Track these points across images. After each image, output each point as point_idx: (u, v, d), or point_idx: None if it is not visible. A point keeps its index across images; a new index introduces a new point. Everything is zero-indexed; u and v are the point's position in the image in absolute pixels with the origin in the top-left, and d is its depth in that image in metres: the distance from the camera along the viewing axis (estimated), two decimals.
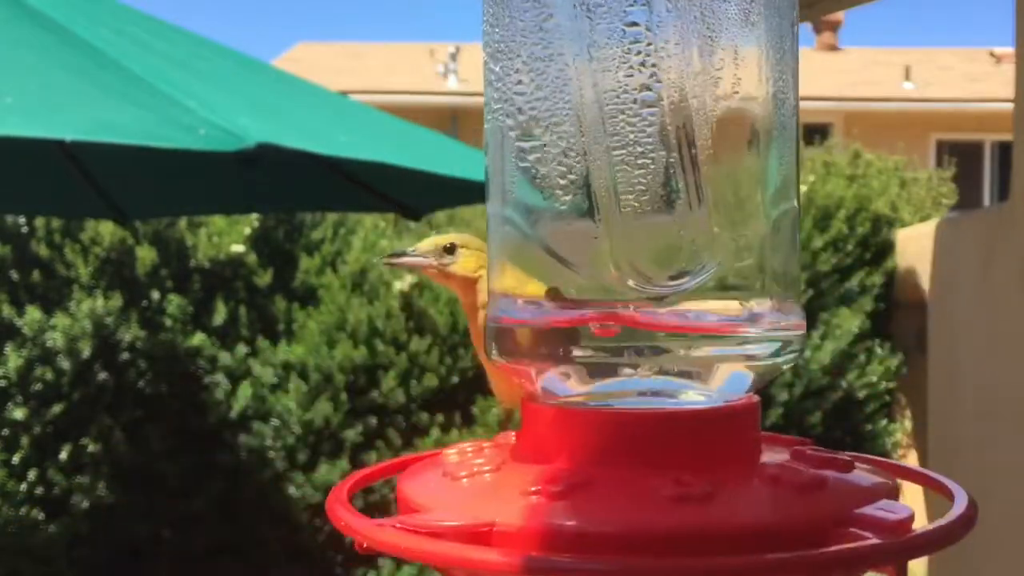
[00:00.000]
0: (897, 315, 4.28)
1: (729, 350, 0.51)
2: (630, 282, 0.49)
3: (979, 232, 2.65)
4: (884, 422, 4.21)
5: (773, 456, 0.51)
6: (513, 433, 0.60)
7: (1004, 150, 10.32)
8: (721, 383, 0.51)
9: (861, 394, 4.15)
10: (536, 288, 0.52)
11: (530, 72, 0.49)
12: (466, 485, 0.49)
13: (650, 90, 0.48)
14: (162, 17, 2.70)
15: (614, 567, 0.41)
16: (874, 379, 4.15)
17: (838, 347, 4.12)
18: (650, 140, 0.48)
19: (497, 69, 0.50)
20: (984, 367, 2.52)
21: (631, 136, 0.48)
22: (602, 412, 0.51)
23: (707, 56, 0.48)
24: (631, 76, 0.48)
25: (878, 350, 4.20)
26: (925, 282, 3.52)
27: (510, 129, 0.50)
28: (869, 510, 0.44)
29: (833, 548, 0.42)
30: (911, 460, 4.12)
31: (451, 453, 0.55)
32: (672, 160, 0.48)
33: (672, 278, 0.49)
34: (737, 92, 0.49)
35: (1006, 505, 2.26)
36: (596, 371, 0.51)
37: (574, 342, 0.51)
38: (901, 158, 5.94)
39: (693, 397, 0.51)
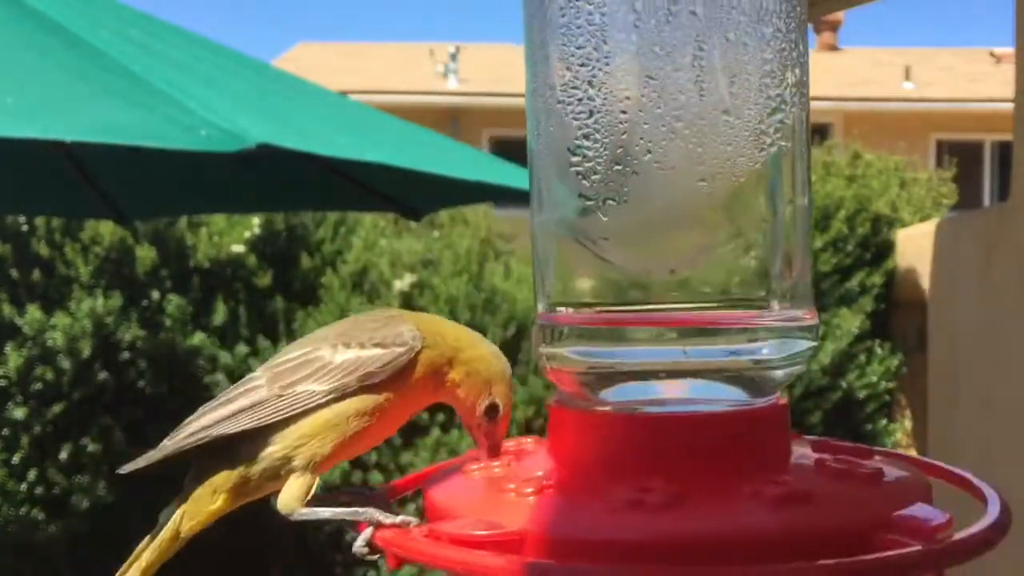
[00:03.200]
0: (897, 315, 4.28)
1: (747, 347, 0.51)
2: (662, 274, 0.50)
3: (979, 232, 2.65)
4: (884, 422, 4.21)
5: (805, 458, 0.51)
6: (532, 440, 0.60)
7: (1004, 150, 10.32)
8: (749, 385, 0.51)
9: (861, 394, 4.15)
10: (582, 290, 0.53)
11: (590, 72, 0.49)
12: (538, 501, 0.48)
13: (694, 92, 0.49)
14: (162, 17, 2.70)
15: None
16: (874, 379, 4.15)
17: (838, 347, 4.12)
18: (678, 146, 0.49)
19: (568, 76, 0.50)
20: (984, 367, 2.52)
21: (664, 142, 0.49)
22: (652, 417, 0.51)
23: (722, 59, 0.49)
24: (669, 80, 0.48)
25: (878, 350, 4.20)
26: (925, 282, 3.52)
27: (563, 138, 0.51)
28: (908, 514, 0.44)
29: (875, 555, 0.41)
30: None
31: (495, 466, 0.55)
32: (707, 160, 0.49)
33: (680, 266, 0.50)
34: (752, 94, 0.50)
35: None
36: (631, 376, 0.52)
37: (616, 342, 0.52)
38: (901, 158, 5.94)
39: (723, 400, 0.52)
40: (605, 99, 0.49)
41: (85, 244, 3.96)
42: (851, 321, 4.15)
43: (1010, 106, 2.35)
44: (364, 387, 0.57)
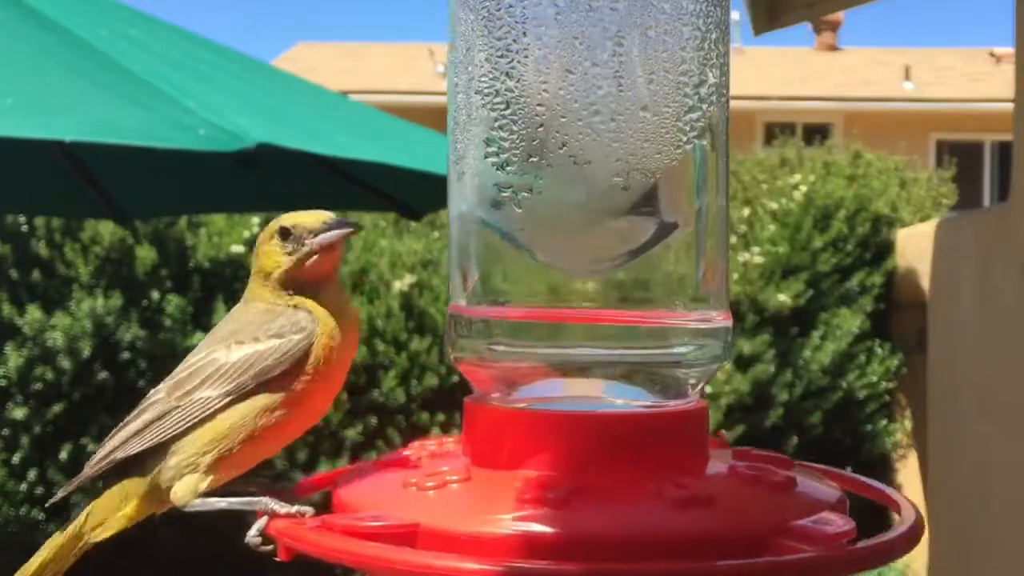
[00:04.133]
0: (897, 315, 4.28)
1: (662, 346, 0.51)
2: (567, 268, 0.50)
3: (979, 232, 2.65)
4: (884, 422, 4.21)
5: (719, 464, 0.51)
6: (455, 439, 0.59)
7: (1004, 150, 10.32)
8: (663, 386, 0.51)
9: (861, 394, 4.15)
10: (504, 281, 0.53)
11: (508, 64, 0.49)
12: (438, 495, 0.48)
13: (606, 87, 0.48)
14: (162, 17, 2.70)
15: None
16: (874, 379, 4.15)
17: (838, 347, 4.12)
18: (590, 138, 0.48)
19: (487, 68, 0.50)
20: (984, 367, 2.52)
21: (578, 135, 0.49)
22: (563, 414, 0.51)
23: (641, 55, 0.49)
24: (584, 75, 0.48)
25: (878, 350, 4.20)
26: (925, 282, 3.52)
27: (481, 123, 0.51)
28: (807, 522, 0.44)
29: (765, 559, 0.42)
30: (911, 460, 4.12)
31: (408, 460, 0.54)
32: (612, 156, 0.49)
33: (593, 262, 0.50)
34: (670, 91, 0.49)
35: (1006, 504, 2.26)
36: (543, 372, 0.51)
37: (530, 338, 0.51)
38: (901, 158, 5.94)
39: (635, 401, 0.52)
40: (523, 91, 0.49)
41: (85, 244, 3.96)
42: (851, 321, 4.15)
43: (1010, 106, 2.35)
44: (265, 382, 0.55)
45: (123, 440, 0.57)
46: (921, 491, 3.32)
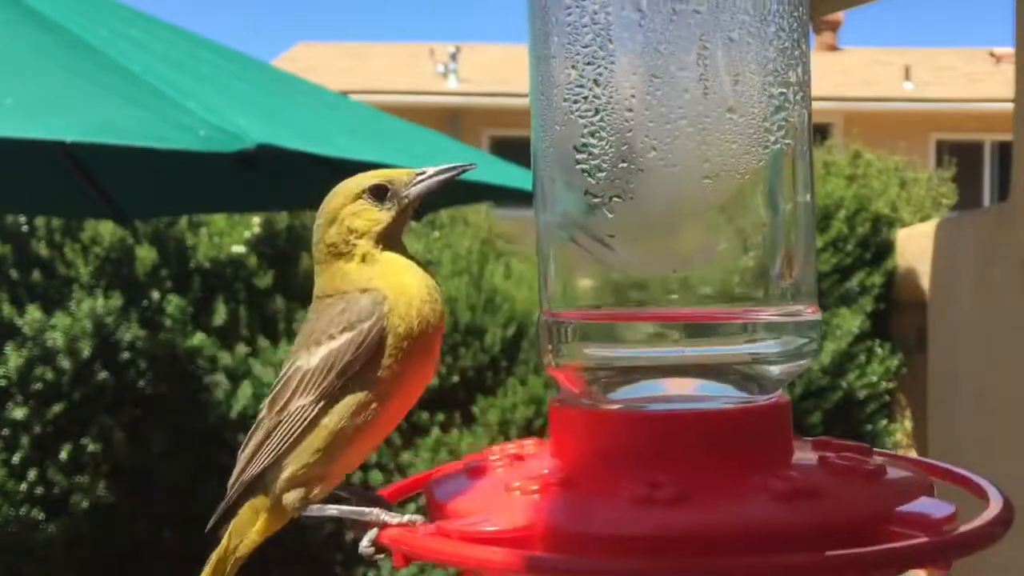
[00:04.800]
0: (897, 315, 4.28)
1: (747, 342, 0.51)
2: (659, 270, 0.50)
3: (979, 232, 2.65)
4: (884, 422, 4.21)
5: (807, 455, 0.52)
6: (533, 442, 0.59)
7: (1004, 150, 10.32)
8: (749, 383, 0.52)
9: (861, 394, 4.15)
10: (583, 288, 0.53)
11: (595, 71, 0.50)
12: (544, 498, 0.48)
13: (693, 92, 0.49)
14: (162, 18, 2.70)
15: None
16: (874, 379, 4.15)
17: (838, 347, 4.12)
18: (680, 144, 0.49)
19: (573, 75, 0.51)
20: (984, 367, 2.52)
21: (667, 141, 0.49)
22: (657, 414, 0.51)
23: (726, 58, 0.49)
24: (671, 82, 0.49)
25: (878, 350, 4.20)
26: (925, 282, 3.52)
27: (569, 137, 0.51)
28: (913, 508, 0.44)
29: (884, 546, 0.42)
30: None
31: (495, 464, 0.54)
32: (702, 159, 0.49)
33: (685, 263, 0.51)
34: (755, 92, 0.50)
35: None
36: (636, 374, 0.52)
37: (621, 340, 0.52)
38: (901, 158, 5.94)
39: (725, 398, 0.52)
40: (610, 97, 0.49)
41: (85, 244, 3.96)
42: (851, 321, 4.15)
43: (1010, 106, 2.34)
44: (352, 377, 0.55)
45: (244, 465, 0.58)
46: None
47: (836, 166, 4.94)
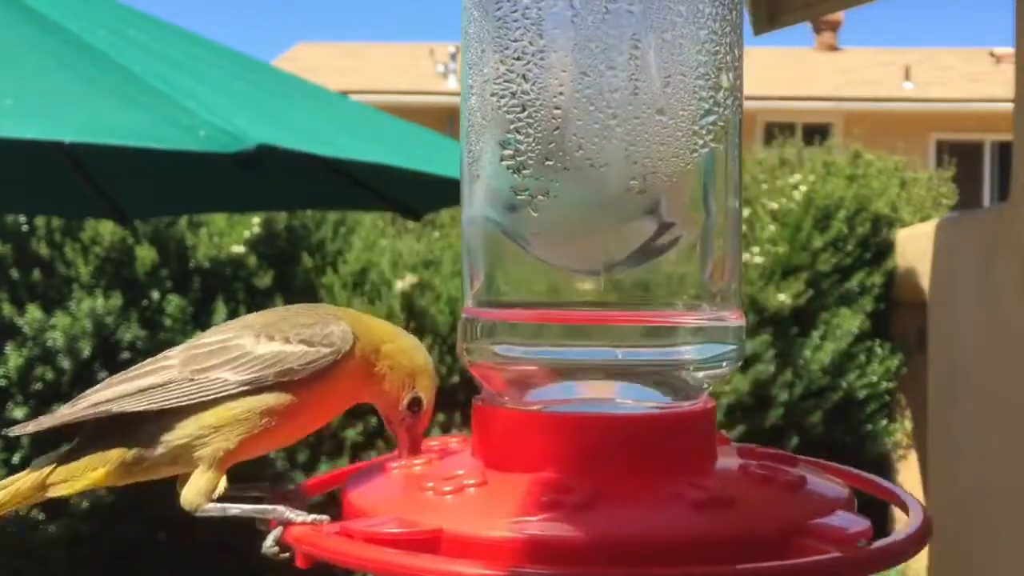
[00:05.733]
0: (897, 315, 4.28)
1: (672, 347, 0.51)
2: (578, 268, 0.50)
3: (979, 232, 2.65)
4: (884, 422, 4.21)
5: (729, 463, 0.51)
6: (457, 438, 0.59)
7: (1004, 150, 10.31)
8: (670, 387, 0.51)
9: (861, 394, 4.15)
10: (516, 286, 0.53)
11: (524, 66, 0.49)
12: (456, 499, 0.47)
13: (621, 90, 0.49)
14: (162, 17, 2.70)
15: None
16: (874, 379, 4.15)
17: (838, 347, 4.12)
18: (603, 140, 0.49)
19: (502, 70, 0.50)
20: (984, 367, 2.52)
21: (592, 137, 0.49)
22: (577, 417, 0.51)
23: (657, 58, 0.49)
24: (600, 76, 0.48)
25: (878, 350, 4.20)
26: (925, 282, 3.52)
27: (496, 126, 0.51)
28: (827, 521, 0.44)
29: (792, 561, 0.42)
30: (911, 460, 4.12)
31: (416, 464, 0.54)
32: (626, 159, 0.49)
33: (609, 265, 0.50)
34: (686, 95, 0.50)
35: (1006, 504, 2.26)
36: (555, 375, 0.51)
37: (542, 340, 0.51)
38: (901, 158, 5.94)
39: (647, 402, 0.52)
40: (539, 94, 0.49)
41: (85, 244, 3.96)
42: (851, 321, 4.15)
43: (1010, 106, 2.35)
44: (281, 383, 0.54)
45: (118, 395, 0.55)
46: (921, 491, 3.32)
47: (836, 166, 4.94)
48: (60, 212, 3.58)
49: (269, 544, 0.51)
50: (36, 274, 3.91)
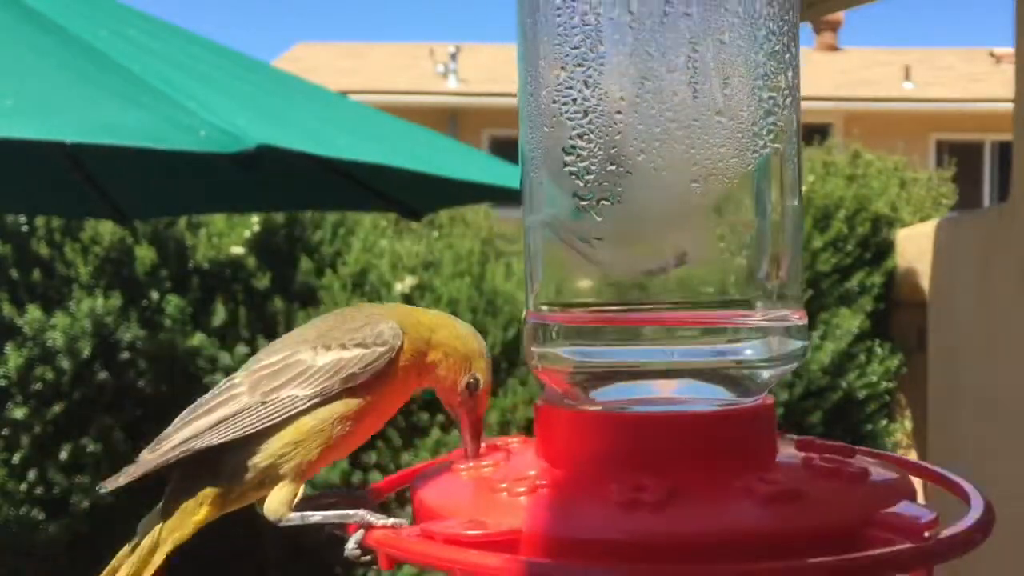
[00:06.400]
0: (897, 315, 4.28)
1: (732, 346, 0.51)
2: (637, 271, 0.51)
3: (979, 232, 2.65)
4: (884, 422, 4.21)
5: (791, 457, 0.52)
6: (518, 439, 0.60)
7: (1004, 150, 10.31)
8: (733, 385, 0.52)
9: (861, 394, 4.15)
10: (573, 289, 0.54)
11: (585, 73, 0.50)
12: (531, 500, 0.48)
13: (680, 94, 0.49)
14: (162, 18, 2.70)
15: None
16: (874, 379, 4.15)
17: (838, 347, 4.12)
18: (667, 146, 0.49)
19: (563, 76, 0.50)
20: (984, 367, 2.52)
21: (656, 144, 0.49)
22: (643, 416, 0.52)
23: (715, 61, 0.49)
24: (659, 82, 0.49)
25: (878, 350, 4.20)
26: (925, 282, 3.52)
27: (559, 137, 0.51)
28: (896, 512, 0.44)
29: (868, 553, 0.42)
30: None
31: (484, 465, 0.54)
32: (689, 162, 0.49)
33: (672, 266, 0.51)
34: (745, 96, 0.50)
35: (1006, 505, 2.26)
36: (621, 375, 0.52)
37: (606, 342, 0.52)
38: (901, 158, 5.93)
39: (710, 400, 0.52)
40: (600, 99, 0.49)
41: (85, 244, 3.96)
42: (851, 321, 4.15)
43: (1010, 106, 2.34)
44: (347, 389, 0.56)
45: (198, 432, 0.56)
46: (921, 491, 3.31)
47: (836, 166, 4.93)
48: (60, 212, 3.58)
49: (351, 547, 0.52)
50: (36, 274, 3.91)
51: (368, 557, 0.51)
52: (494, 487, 0.49)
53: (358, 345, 0.56)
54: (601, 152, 0.49)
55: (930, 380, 2.99)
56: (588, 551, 0.43)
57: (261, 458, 0.55)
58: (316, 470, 0.57)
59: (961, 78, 12.39)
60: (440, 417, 3.85)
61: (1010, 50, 2.49)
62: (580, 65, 0.49)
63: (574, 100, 0.49)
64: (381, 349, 0.56)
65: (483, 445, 0.59)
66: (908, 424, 4.19)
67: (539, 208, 0.53)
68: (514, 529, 0.44)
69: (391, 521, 0.50)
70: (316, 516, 0.55)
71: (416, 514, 0.51)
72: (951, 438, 2.77)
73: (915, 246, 4.01)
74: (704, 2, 0.49)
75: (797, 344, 0.53)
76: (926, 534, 0.43)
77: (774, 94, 0.50)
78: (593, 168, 0.49)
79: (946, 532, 0.44)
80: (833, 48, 13.91)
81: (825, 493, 0.46)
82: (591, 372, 0.52)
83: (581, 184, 0.50)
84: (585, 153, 0.49)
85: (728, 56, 0.49)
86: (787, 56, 0.51)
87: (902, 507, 0.45)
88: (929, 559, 0.42)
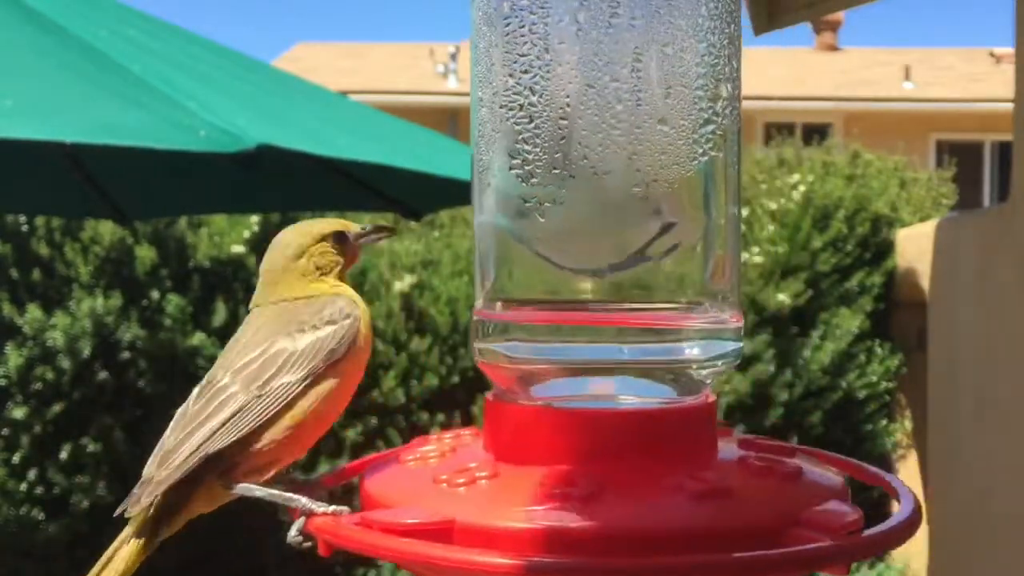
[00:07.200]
0: (897, 315, 4.28)
1: (675, 346, 0.53)
2: (581, 270, 0.53)
3: (979, 232, 2.65)
4: (884, 422, 4.21)
5: (729, 455, 0.54)
6: (471, 431, 0.62)
7: (1004, 150, 10.32)
8: (672, 383, 0.54)
9: (861, 394, 4.15)
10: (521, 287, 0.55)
11: (532, 79, 0.51)
12: (469, 491, 0.50)
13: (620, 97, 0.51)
14: (162, 18, 2.70)
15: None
16: (874, 379, 4.15)
17: (838, 347, 4.12)
18: (607, 144, 0.51)
19: (511, 82, 0.52)
20: (984, 367, 2.52)
21: (597, 141, 0.51)
22: (583, 412, 0.53)
23: (659, 70, 0.51)
24: (602, 80, 0.51)
25: (878, 350, 4.20)
26: (925, 282, 3.52)
27: (505, 137, 0.53)
28: (820, 510, 0.46)
29: (785, 550, 0.44)
30: (911, 460, 4.12)
31: (429, 454, 0.56)
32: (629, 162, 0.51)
33: (614, 267, 0.53)
34: (686, 105, 0.52)
35: (1006, 504, 2.26)
36: (561, 372, 0.54)
37: (548, 339, 0.54)
38: (901, 158, 5.93)
39: (651, 398, 0.54)
40: (546, 106, 0.51)
41: (85, 244, 3.96)
42: (851, 321, 4.15)
43: (1010, 106, 2.34)
44: (329, 365, 0.59)
45: (205, 438, 0.58)
46: (921, 491, 3.32)
47: (836, 166, 4.94)
48: (60, 212, 3.58)
49: (293, 533, 0.53)
50: (36, 274, 3.91)
51: (309, 543, 0.53)
52: (436, 478, 0.51)
53: (328, 323, 0.60)
54: (546, 156, 0.51)
55: (930, 380, 2.99)
56: (516, 541, 0.44)
57: (262, 446, 0.57)
58: (309, 445, 0.60)
59: (961, 78, 12.39)
60: (440, 417, 3.85)
61: (1010, 50, 2.49)
62: (527, 72, 0.51)
63: (521, 106, 0.51)
64: (347, 322, 0.60)
65: (435, 435, 0.62)
66: (908, 424, 4.19)
67: (487, 208, 0.55)
68: (448, 519, 0.46)
69: (332, 509, 0.52)
70: (259, 491, 0.57)
71: (362, 503, 0.53)
72: (951, 438, 2.77)
73: (915, 246, 4.01)
74: (649, 14, 0.51)
75: (735, 345, 0.55)
76: (848, 532, 0.44)
77: (714, 104, 0.52)
78: (538, 171, 0.51)
79: (868, 531, 0.45)
80: (833, 48, 13.91)
81: (754, 491, 0.48)
82: (533, 368, 0.54)
83: (526, 186, 0.52)
84: (531, 157, 0.51)
85: (671, 66, 0.51)
86: (727, 68, 0.53)
87: (828, 506, 0.47)
88: (848, 556, 0.44)
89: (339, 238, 0.64)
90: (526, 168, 0.51)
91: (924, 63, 12.83)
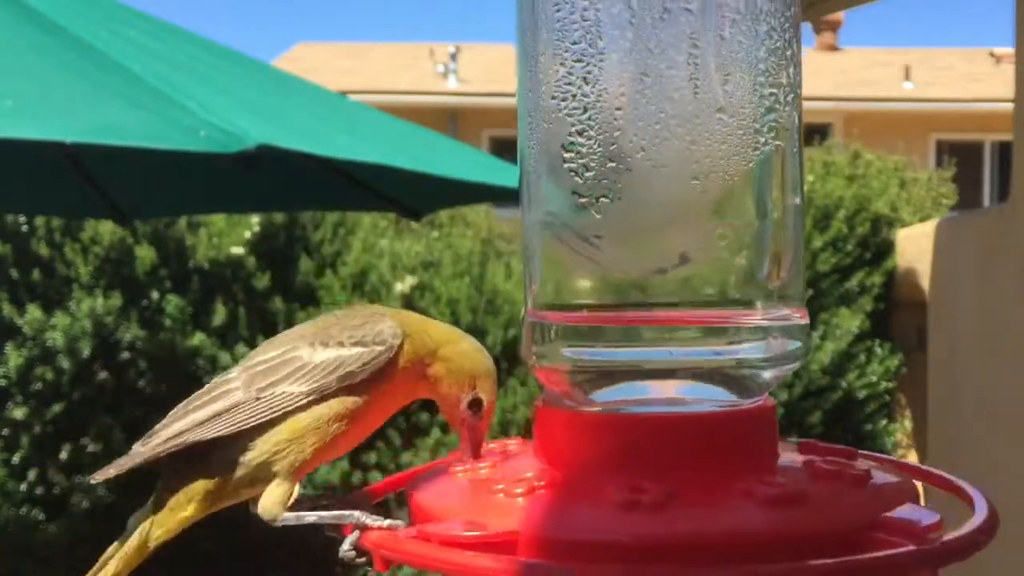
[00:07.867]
0: (897, 315, 4.28)
1: (732, 346, 0.51)
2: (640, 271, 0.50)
3: (979, 232, 2.65)
4: (884, 422, 4.21)
5: (793, 459, 0.51)
6: (516, 441, 0.59)
7: (1004, 150, 10.31)
8: (734, 386, 0.51)
9: (861, 394, 4.15)
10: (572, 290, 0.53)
11: (584, 69, 0.49)
12: (528, 501, 0.47)
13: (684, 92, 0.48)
14: (162, 18, 2.70)
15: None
16: (874, 379, 4.15)
17: (838, 347, 4.12)
18: (666, 144, 0.48)
19: (562, 73, 0.50)
20: (984, 367, 2.52)
21: (655, 140, 0.48)
22: (646, 417, 0.51)
23: (716, 57, 0.49)
24: (657, 80, 0.48)
25: (878, 350, 4.20)
26: (925, 282, 3.52)
27: (557, 135, 0.50)
28: (899, 515, 0.44)
29: (870, 555, 0.41)
30: (911, 460, 4.12)
31: (481, 467, 0.54)
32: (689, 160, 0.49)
33: (673, 264, 0.50)
34: (746, 93, 0.49)
35: (1006, 505, 2.26)
36: (620, 376, 0.51)
37: (606, 342, 0.51)
38: (901, 158, 5.93)
39: (710, 401, 0.52)
40: (599, 96, 0.48)
41: (85, 244, 3.96)
42: (851, 321, 4.15)
43: (1010, 106, 2.34)
44: (344, 387, 0.55)
45: (191, 425, 0.56)
46: (921, 491, 3.31)
47: (836, 166, 4.93)
48: (60, 212, 3.58)
49: (346, 548, 0.51)
50: (36, 274, 3.91)
51: (363, 559, 0.51)
52: (491, 488, 0.48)
53: (356, 344, 0.55)
54: (600, 149, 0.49)
55: (930, 380, 2.98)
56: (585, 552, 0.42)
57: (254, 455, 0.54)
58: (309, 469, 0.56)
59: (961, 78, 12.39)
60: (440, 417, 3.85)
61: (1010, 50, 2.48)
62: (579, 61, 0.49)
63: (573, 96, 0.49)
64: (379, 348, 0.55)
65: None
66: (908, 424, 4.19)
67: (538, 206, 0.52)
68: (511, 531, 0.43)
69: (387, 522, 0.49)
70: (311, 516, 0.54)
71: (412, 516, 0.51)
72: (951, 438, 2.77)
73: (915, 246, 4.01)
74: None
75: (798, 344, 0.52)
76: (930, 536, 0.42)
77: (775, 91, 0.50)
78: (592, 165, 0.49)
79: (949, 535, 0.43)
80: (833, 48, 13.91)
81: (828, 495, 0.46)
82: (590, 372, 0.51)
83: (580, 181, 0.49)
84: (584, 150, 0.49)
85: (729, 52, 0.49)
86: (788, 52, 0.50)
87: (905, 510, 0.45)
88: (932, 562, 0.42)
89: (476, 403, 0.58)
90: (580, 162, 0.49)
91: (924, 63, 12.83)
